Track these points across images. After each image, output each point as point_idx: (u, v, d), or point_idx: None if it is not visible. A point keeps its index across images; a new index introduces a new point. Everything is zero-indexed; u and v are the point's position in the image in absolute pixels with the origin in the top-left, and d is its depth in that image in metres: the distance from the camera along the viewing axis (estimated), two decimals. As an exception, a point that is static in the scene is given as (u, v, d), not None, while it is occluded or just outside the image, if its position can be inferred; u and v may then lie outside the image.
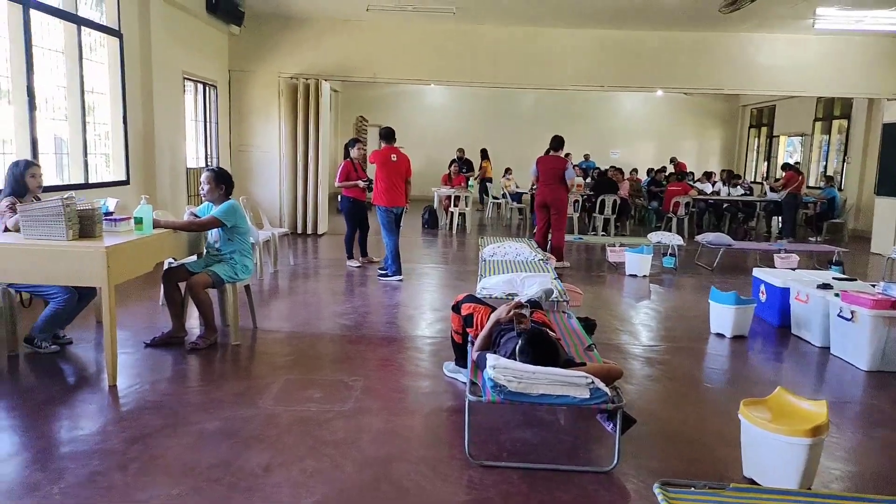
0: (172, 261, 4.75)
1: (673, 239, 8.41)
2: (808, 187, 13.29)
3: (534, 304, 4.21)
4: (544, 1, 8.75)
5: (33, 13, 5.65)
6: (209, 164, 9.75)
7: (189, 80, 9.03)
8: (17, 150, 5.56)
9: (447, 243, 10.41)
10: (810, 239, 11.86)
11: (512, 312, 3.28)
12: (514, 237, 10.92)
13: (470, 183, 12.47)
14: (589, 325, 4.86)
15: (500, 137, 17.94)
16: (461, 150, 13.86)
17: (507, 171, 13.98)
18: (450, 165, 12.91)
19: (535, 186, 8.60)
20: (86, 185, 6.50)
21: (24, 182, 4.18)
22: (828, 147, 14.63)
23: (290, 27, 10.10)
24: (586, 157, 16.81)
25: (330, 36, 10.14)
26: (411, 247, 9.52)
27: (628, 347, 4.88)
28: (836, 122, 14.30)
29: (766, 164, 15.04)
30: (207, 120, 9.82)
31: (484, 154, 14.83)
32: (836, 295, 4.61)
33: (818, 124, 14.88)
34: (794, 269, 7.96)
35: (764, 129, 17.53)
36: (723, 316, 5.11)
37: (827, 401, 2.74)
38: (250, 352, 4.45)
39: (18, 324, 4.16)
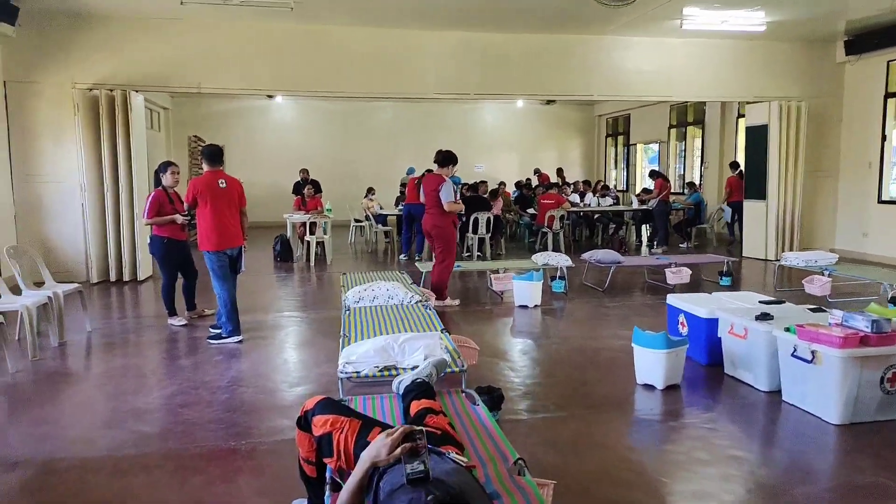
0: None
1: (560, 259, 7.49)
2: (673, 193, 13.21)
3: (423, 391, 2.90)
4: (398, -4, 7.58)
5: None
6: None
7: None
8: None
9: (305, 280, 8.83)
10: (681, 245, 11.68)
11: (399, 449, 1.92)
12: (382, 267, 9.64)
13: (327, 207, 10.96)
14: (494, 399, 3.65)
15: (358, 155, 16.60)
16: (305, 171, 12.26)
17: (370, 190, 12.62)
18: (301, 188, 11.36)
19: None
20: None
21: None
22: (684, 153, 14.84)
23: (84, 26, 8.06)
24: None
25: (138, 37, 8.23)
26: (259, 289, 7.85)
27: (543, 424, 3.69)
28: (690, 129, 14.51)
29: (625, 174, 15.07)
30: (-25, 144, 7.54)
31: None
32: (788, 329, 3.73)
33: (673, 131, 15.07)
34: (686, 283, 7.41)
35: (621, 138, 17.68)
36: (652, 363, 4.10)
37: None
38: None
39: None
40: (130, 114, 8.13)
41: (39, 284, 5.71)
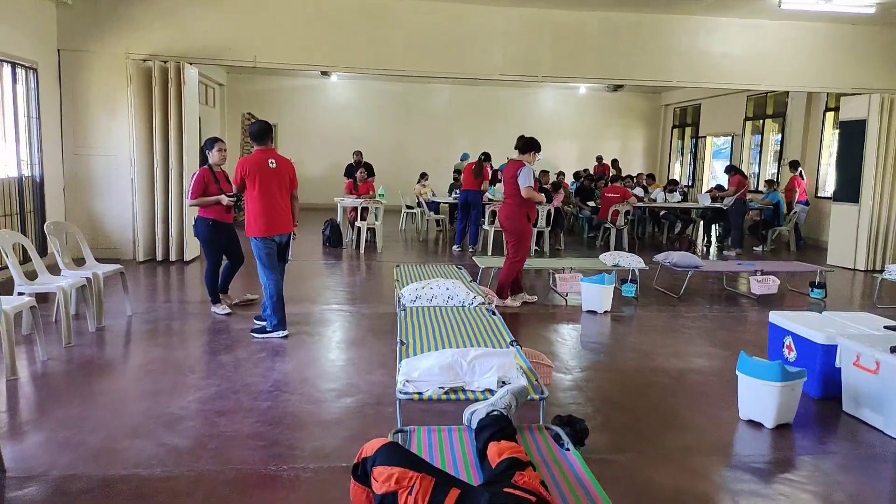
0: None
1: (632, 261, 6.84)
2: (749, 191, 12.29)
3: (502, 427, 2.38)
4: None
5: None
6: (27, 172, 7.24)
7: (-11, 58, 6.57)
8: None
9: (354, 268, 8.41)
10: (755, 249, 10.81)
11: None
12: (435, 257, 9.15)
13: (380, 191, 10.52)
14: (577, 433, 3.10)
15: (412, 138, 16.13)
16: (359, 154, 11.80)
17: (423, 176, 12.12)
18: (354, 170, 10.93)
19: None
20: None
21: None
22: (760, 148, 13.80)
23: (140, -6, 7.77)
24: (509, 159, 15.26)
25: (195, 7, 7.87)
26: (307, 276, 7.46)
27: (633, 467, 3.12)
28: (768, 122, 13.47)
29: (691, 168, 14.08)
30: (28, 114, 7.31)
31: None
32: (942, 371, 3.06)
33: (749, 124, 14.03)
34: (771, 293, 6.69)
35: (688, 130, 16.67)
36: (762, 397, 3.47)
37: None
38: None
39: None
40: (184, 87, 7.81)
41: (81, 262, 5.41)
